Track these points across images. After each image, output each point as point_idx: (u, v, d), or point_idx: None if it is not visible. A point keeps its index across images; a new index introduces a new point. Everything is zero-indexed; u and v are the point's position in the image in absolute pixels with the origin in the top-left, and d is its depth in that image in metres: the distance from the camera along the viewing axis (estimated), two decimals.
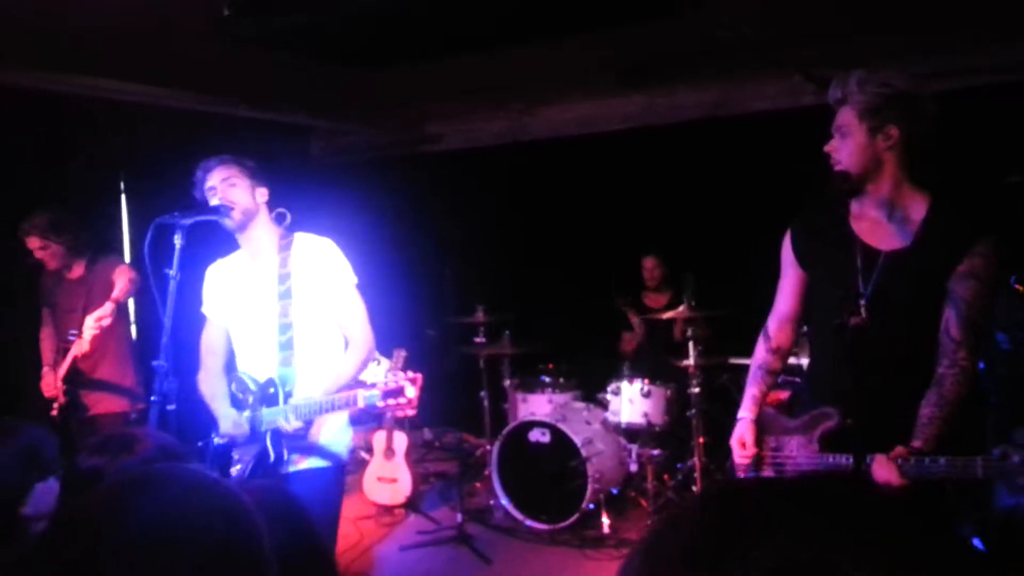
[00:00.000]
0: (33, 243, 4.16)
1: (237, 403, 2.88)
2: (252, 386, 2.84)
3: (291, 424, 2.70)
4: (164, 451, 1.69)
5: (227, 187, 2.87)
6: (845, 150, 2.30)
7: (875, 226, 2.35)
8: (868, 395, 2.17)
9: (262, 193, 2.95)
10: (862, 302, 2.27)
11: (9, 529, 1.63)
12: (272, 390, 2.79)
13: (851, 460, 2.24)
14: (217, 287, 3.06)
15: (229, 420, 2.85)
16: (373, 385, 2.60)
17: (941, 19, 4.76)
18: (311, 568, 1.36)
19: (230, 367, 3.03)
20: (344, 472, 2.98)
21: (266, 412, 2.77)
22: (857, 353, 2.18)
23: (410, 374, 2.59)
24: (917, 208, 2.30)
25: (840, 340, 2.21)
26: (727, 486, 0.82)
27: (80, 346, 3.95)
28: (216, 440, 2.83)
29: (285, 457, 2.78)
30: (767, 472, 2.56)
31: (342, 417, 2.92)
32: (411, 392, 2.57)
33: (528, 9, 4.39)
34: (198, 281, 3.08)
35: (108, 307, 3.98)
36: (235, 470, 2.79)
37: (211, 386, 3.00)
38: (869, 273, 2.30)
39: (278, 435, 2.76)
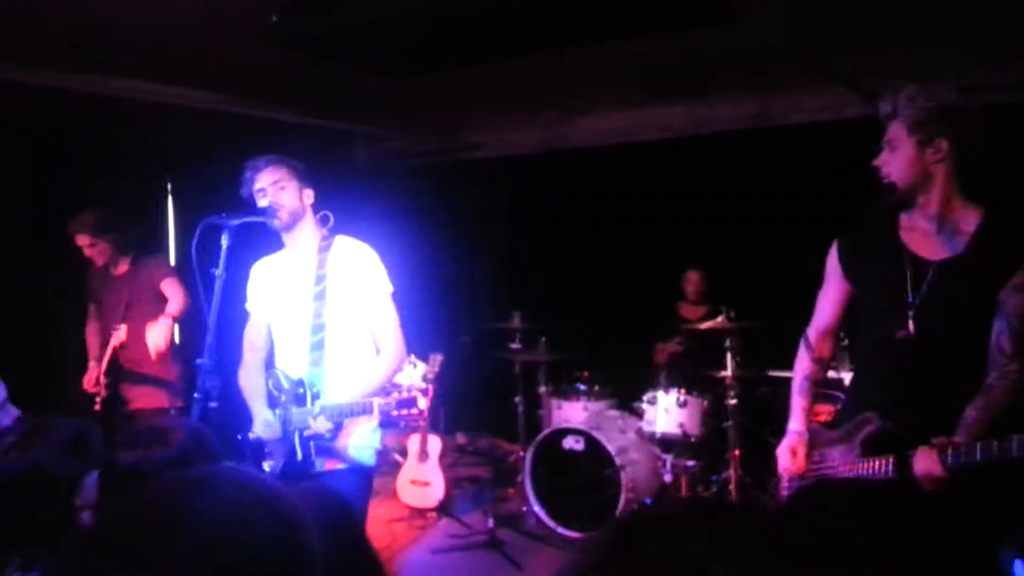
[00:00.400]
0: (82, 241, 4.29)
1: (272, 400, 2.93)
2: (285, 384, 2.88)
3: (319, 426, 2.75)
4: (198, 440, 1.72)
5: (277, 190, 2.92)
6: (894, 163, 2.31)
7: (925, 238, 2.35)
8: (912, 404, 2.18)
9: (308, 195, 3.00)
10: (910, 312, 2.28)
11: (65, 519, 1.68)
12: (301, 390, 2.84)
13: (891, 462, 2.23)
14: (261, 284, 3.12)
15: (261, 420, 2.90)
16: (388, 393, 2.68)
17: (990, 30, 4.68)
18: (357, 569, 1.38)
19: (270, 364, 3.08)
20: (371, 476, 3.00)
21: (295, 412, 2.82)
22: (903, 366, 2.16)
23: (423, 385, 2.66)
24: (968, 220, 2.30)
25: (886, 353, 2.20)
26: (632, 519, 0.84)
27: (118, 336, 4.06)
28: (251, 435, 2.87)
29: (312, 457, 2.82)
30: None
31: (370, 422, 2.94)
32: (422, 403, 2.64)
33: (566, 17, 4.40)
34: (243, 280, 3.14)
35: (166, 324, 4.05)
36: (267, 466, 2.83)
37: (250, 381, 3.05)
38: (919, 283, 2.30)
39: (307, 437, 2.80)
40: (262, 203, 2.93)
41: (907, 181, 2.30)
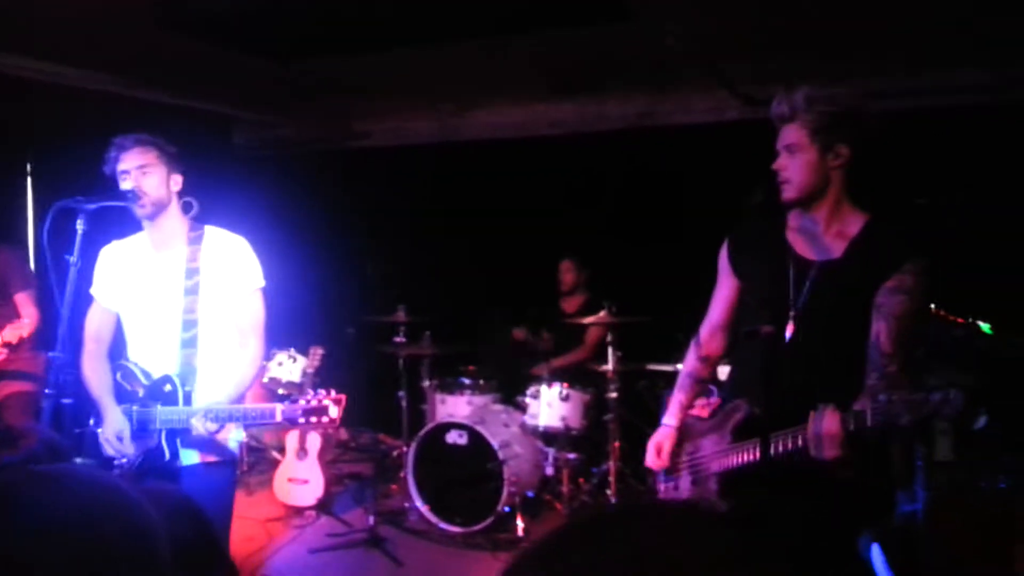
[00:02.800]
0: None
1: (123, 394, 2.75)
2: (143, 379, 2.72)
3: (202, 428, 2.60)
4: (50, 449, 1.60)
5: (140, 175, 2.74)
6: (795, 168, 2.30)
7: (811, 239, 2.38)
8: (782, 397, 2.20)
9: (176, 181, 2.83)
10: (791, 312, 2.32)
11: None
12: (169, 387, 2.69)
13: (757, 446, 2.27)
14: (112, 270, 2.92)
15: (112, 420, 2.71)
16: (295, 400, 2.55)
17: (855, 44, 4.91)
18: (209, 568, 1.32)
19: (115, 355, 2.89)
20: (235, 467, 2.91)
21: (161, 410, 2.67)
22: (770, 359, 2.22)
23: (334, 394, 2.55)
24: (853, 224, 2.33)
25: (756, 347, 2.26)
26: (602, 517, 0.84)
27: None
28: (99, 430, 2.70)
29: (179, 454, 2.70)
30: (684, 477, 2.60)
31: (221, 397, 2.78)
32: (334, 412, 2.54)
33: (464, 9, 4.36)
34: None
35: (18, 332, 3.87)
36: (122, 461, 2.67)
37: (97, 374, 2.84)
38: (800, 284, 2.34)
39: (174, 433, 2.67)
40: (124, 185, 2.74)
41: (808, 186, 2.30)
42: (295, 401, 2.55)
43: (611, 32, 4.60)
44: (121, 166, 2.76)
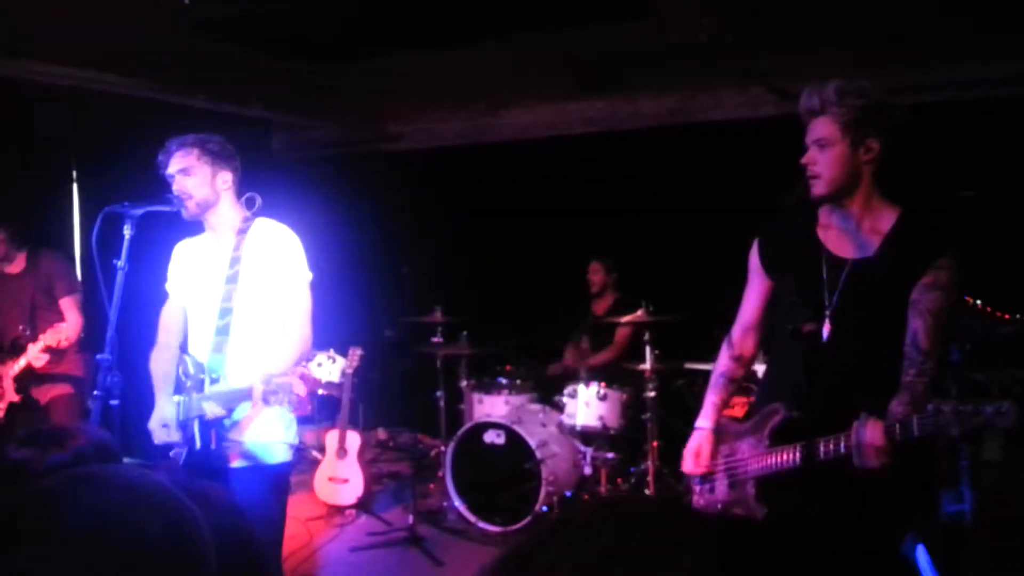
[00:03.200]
0: None
1: (179, 386, 2.79)
2: (192, 370, 2.76)
3: (209, 410, 2.63)
4: (99, 449, 1.62)
5: (183, 177, 2.79)
6: (825, 162, 2.26)
7: (842, 236, 2.34)
8: (821, 398, 2.18)
9: (224, 179, 2.84)
10: (827, 312, 2.29)
11: None
12: (202, 375, 2.72)
13: (798, 451, 2.24)
14: (180, 265, 3.00)
15: (159, 419, 2.76)
16: (268, 379, 2.55)
17: (893, 36, 4.84)
18: (253, 572, 1.33)
19: (184, 349, 2.95)
20: (284, 475, 2.87)
21: (195, 398, 2.70)
22: (811, 359, 2.19)
23: (300, 370, 2.55)
24: (885, 220, 2.30)
25: (794, 347, 2.23)
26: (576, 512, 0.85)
27: (37, 359, 3.86)
28: (150, 426, 2.75)
29: (213, 446, 2.69)
30: (721, 481, 2.56)
31: (274, 414, 2.78)
32: (300, 388, 2.52)
33: (493, 8, 4.37)
34: (147, 273, 3.00)
35: (58, 336, 3.92)
36: (173, 452, 2.72)
37: (159, 365, 2.91)
38: (835, 283, 2.30)
39: (205, 424, 2.68)
40: (173, 190, 2.81)
41: (838, 181, 2.26)
42: (269, 380, 2.54)
43: (641, 28, 4.58)
44: (168, 170, 2.82)
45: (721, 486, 2.53)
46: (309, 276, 2.88)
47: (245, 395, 2.60)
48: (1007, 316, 3.96)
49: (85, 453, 1.63)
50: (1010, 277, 4.51)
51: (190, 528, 0.95)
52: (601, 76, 5.70)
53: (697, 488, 2.63)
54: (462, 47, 4.99)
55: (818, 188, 2.28)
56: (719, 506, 2.49)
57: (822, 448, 2.18)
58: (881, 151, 2.25)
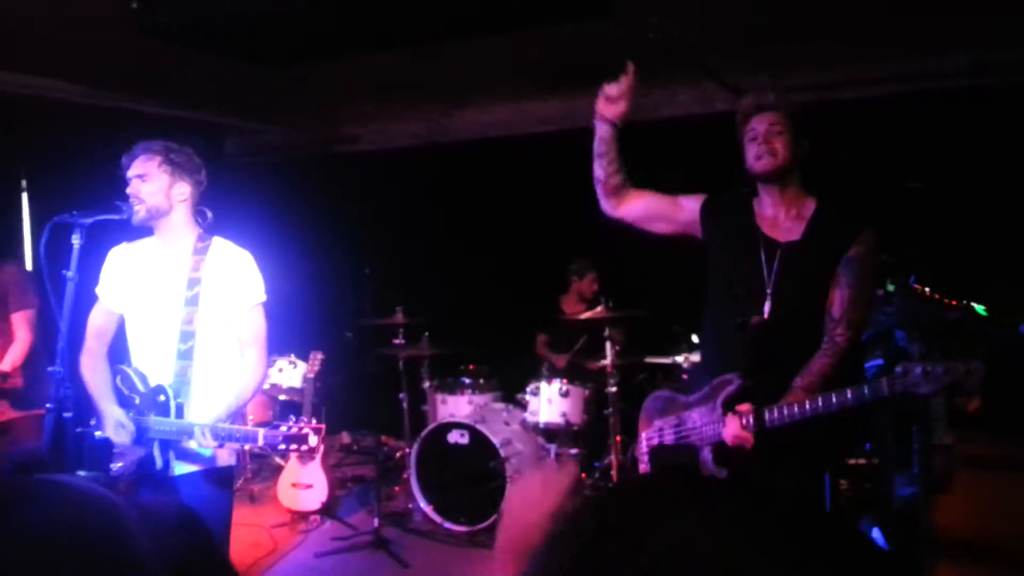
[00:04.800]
0: None
1: (122, 399, 2.76)
2: (140, 387, 2.73)
3: (202, 444, 2.63)
4: (21, 472, 1.58)
5: (140, 182, 2.75)
6: (780, 143, 2.53)
7: (774, 222, 2.59)
8: (765, 368, 2.42)
9: (181, 191, 2.79)
10: (768, 291, 2.49)
11: None
12: (162, 398, 2.69)
13: (751, 415, 2.40)
14: (119, 271, 2.91)
15: (113, 420, 2.71)
16: (276, 427, 2.57)
17: (842, 31, 4.94)
18: None
19: (118, 356, 2.91)
20: (231, 477, 2.89)
21: (154, 420, 2.67)
22: (757, 345, 2.30)
23: (315, 423, 2.58)
24: (807, 208, 2.59)
25: (740, 337, 2.33)
26: (617, 484, 0.89)
27: None
28: (97, 434, 2.71)
29: (171, 463, 2.71)
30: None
31: (216, 411, 2.77)
32: (314, 441, 2.56)
33: (448, 8, 4.37)
34: (96, 282, 2.95)
35: (14, 358, 3.86)
36: (115, 466, 2.68)
37: (96, 373, 2.84)
38: (770, 264, 2.52)
39: (166, 444, 2.68)
40: (128, 191, 2.77)
41: (788, 161, 2.53)
42: (276, 427, 2.57)
43: (594, 27, 4.61)
44: (127, 173, 2.78)
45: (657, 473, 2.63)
46: (263, 298, 2.87)
47: (236, 436, 2.60)
48: (954, 302, 4.06)
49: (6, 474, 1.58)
50: (958, 265, 4.63)
51: (130, 539, 0.94)
52: (556, 75, 5.73)
53: (645, 459, 2.72)
54: (417, 48, 4.98)
55: (771, 162, 2.52)
56: None
57: (767, 416, 2.36)
58: (809, 151, 2.58)
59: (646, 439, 2.78)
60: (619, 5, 4.24)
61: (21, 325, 3.95)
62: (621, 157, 2.71)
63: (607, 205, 2.76)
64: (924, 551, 3.41)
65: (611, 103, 2.63)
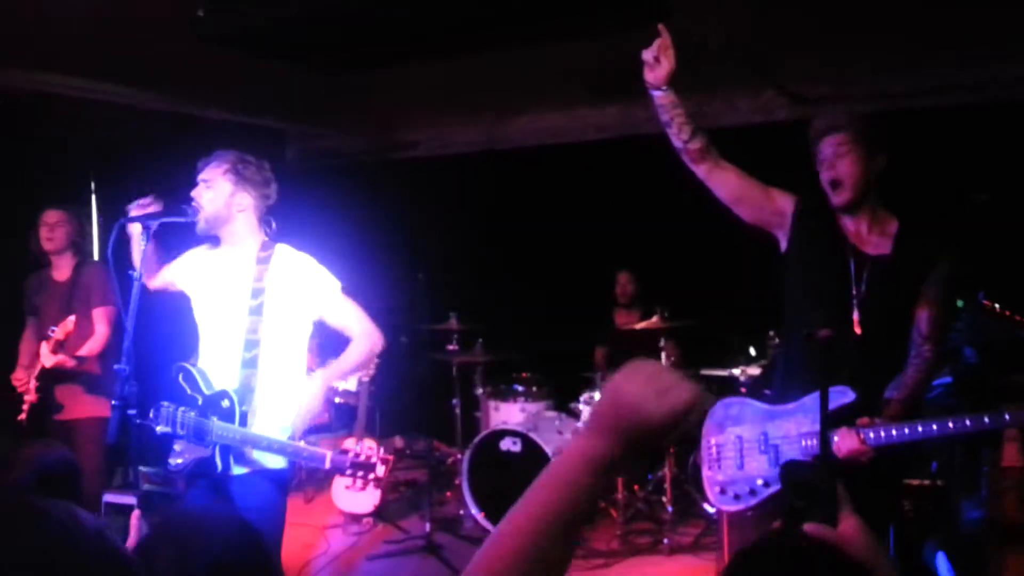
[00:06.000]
0: (50, 217, 4.16)
1: (183, 397, 2.79)
2: (204, 388, 2.76)
3: (267, 462, 2.71)
4: (43, 477, 1.57)
5: (203, 188, 2.81)
6: (847, 171, 2.52)
7: (858, 236, 2.60)
8: (855, 380, 2.42)
9: (242, 201, 2.83)
10: (854, 301, 2.51)
11: None
12: (227, 403, 2.71)
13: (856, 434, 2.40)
14: (194, 272, 2.97)
15: None
16: (346, 452, 2.60)
17: (905, 39, 4.82)
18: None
19: (184, 355, 2.97)
20: (285, 478, 2.88)
21: (217, 424, 2.69)
22: (833, 358, 2.30)
23: (383, 453, 2.60)
24: (890, 225, 2.60)
25: (815, 346, 2.30)
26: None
27: (65, 327, 3.86)
28: (158, 429, 2.75)
29: (231, 468, 2.74)
30: (753, 458, 2.58)
31: (283, 423, 2.81)
32: (380, 471, 2.59)
33: (504, 16, 4.38)
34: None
35: (91, 347, 4.03)
36: (174, 462, 2.73)
37: None
38: (860, 276, 2.54)
39: (228, 449, 2.70)
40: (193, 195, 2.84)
41: (860, 188, 2.53)
42: (346, 452, 2.61)
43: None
44: (198, 176, 2.85)
45: (756, 463, 2.57)
46: (339, 284, 2.90)
47: (304, 457, 2.66)
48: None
49: (26, 486, 1.58)
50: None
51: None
52: (613, 83, 5.70)
53: (715, 466, 2.66)
54: (475, 55, 5.01)
55: (841, 195, 2.53)
56: (759, 482, 2.55)
57: (887, 434, 2.38)
58: (886, 164, 2.56)
59: (716, 445, 2.69)
60: (679, 10, 4.20)
61: (101, 320, 4.13)
62: (693, 122, 2.62)
63: (697, 171, 2.68)
64: None
65: (652, 68, 2.54)
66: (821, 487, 1.25)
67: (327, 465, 2.59)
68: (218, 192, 2.81)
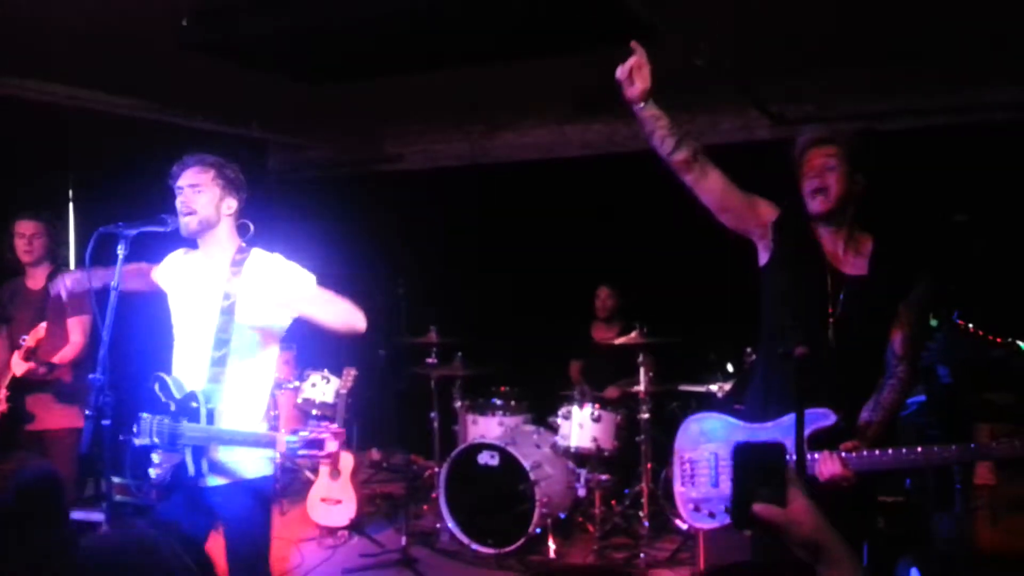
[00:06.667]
0: (26, 228, 4.09)
1: (158, 406, 2.76)
2: (176, 393, 2.74)
3: (215, 461, 2.68)
4: (25, 497, 1.53)
5: (193, 193, 2.79)
6: (832, 180, 2.53)
7: (834, 255, 2.60)
8: (829, 400, 2.41)
9: (229, 205, 2.85)
10: (831, 321, 2.51)
11: None
12: (194, 404, 2.69)
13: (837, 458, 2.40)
14: (171, 274, 2.98)
15: None
16: (296, 432, 2.57)
17: (886, 60, 4.89)
18: None
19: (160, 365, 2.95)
20: (266, 486, 2.85)
21: (186, 426, 2.67)
22: (807, 376, 2.29)
23: (334, 427, 2.58)
24: (865, 244, 2.60)
25: (790, 364, 2.31)
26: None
27: (36, 333, 3.84)
28: (137, 441, 2.73)
29: (204, 472, 2.70)
30: (729, 479, 2.56)
31: (254, 426, 2.80)
32: (332, 446, 2.55)
33: (493, 32, 4.41)
34: (138, 293, 3.00)
35: (63, 354, 4.00)
36: (154, 473, 2.70)
37: None
38: (836, 295, 2.53)
39: (199, 451, 2.68)
40: (177, 202, 2.80)
41: (842, 199, 2.54)
42: (296, 431, 2.57)
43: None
44: (178, 183, 2.82)
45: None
46: (312, 277, 2.87)
47: (256, 442, 2.63)
48: (998, 339, 3.98)
49: (6, 504, 1.53)
50: (1002, 301, 4.53)
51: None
52: (598, 100, 5.74)
53: (687, 483, 2.65)
54: (461, 70, 5.03)
55: (823, 204, 2.53)
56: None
57: (871, 459, 2.39)
58: (865, 185, 2.58)
59: (690, 461, 2.67)
60: (665, 30, 4.24)
61: (75, 329, 4.10)
62: (677, 132, 2.59)
63: (685, 180, 2.66)
64: None
65: (629, 85, 2.54)
66: (772, 468, 1.26)
67: (280, 448, 2.55)
68: (208, 196, 2.80)
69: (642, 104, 2.56)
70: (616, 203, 6.12)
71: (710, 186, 2.63)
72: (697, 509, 2.63)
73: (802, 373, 2.33)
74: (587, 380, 5.72)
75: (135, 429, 2.74)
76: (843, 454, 2.37)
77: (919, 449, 2.33)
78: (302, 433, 2.55)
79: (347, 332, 2.78)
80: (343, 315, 2.78)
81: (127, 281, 2.87)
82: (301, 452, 2.54)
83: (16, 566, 0.87)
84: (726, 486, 2.58)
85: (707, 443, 2.66)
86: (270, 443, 2.60)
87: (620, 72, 2.53)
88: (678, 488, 2.69)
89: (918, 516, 3.79)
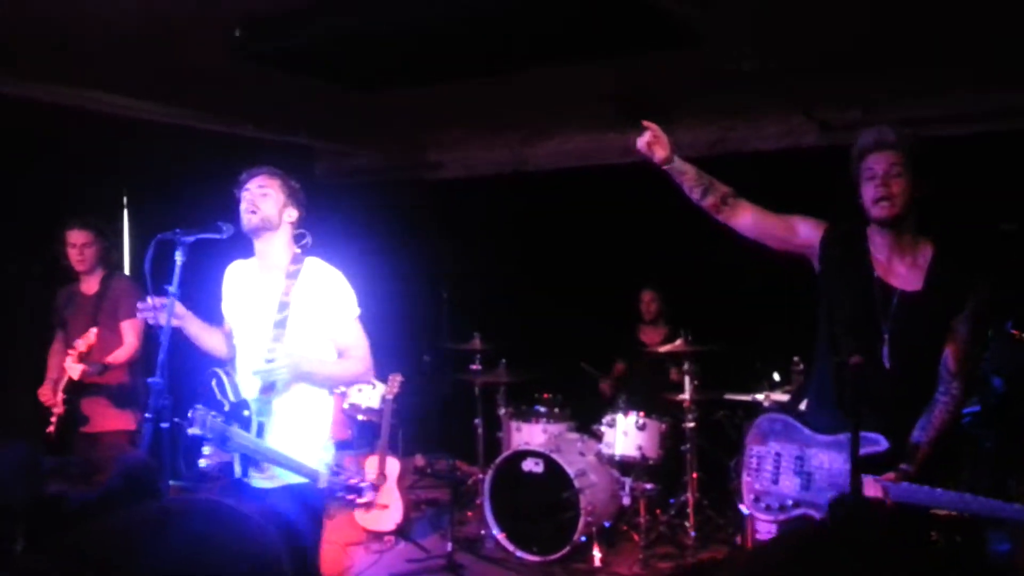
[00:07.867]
0: (78, 239, 4.20)
1: (213, 402, 2.84)
2: (231, 396, 2.81)
3: (262, 469, 2.76)
4: (131, 480, 1.62)
5: (260, 194, 2.90)
6: (897, 187, 2.48)
7: (889, 266, 2.56)
8: (883, 419, 2.38)
9: (291, 214, 2.96)
10: (885, 337, 2.49)
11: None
12: (246, 413, 2.76)
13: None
14: (232, 287, 3.08)
15: None
16: (338, 473, 2.68)
17: (935, 66, 4.81)
18: None
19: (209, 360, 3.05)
20: (318, 494, 2.85)
21: (236, 432, 2.73)
22: (860, 388, 2.28)
23: (374, 477, 2.67)
24: (924, 254, 2.54)
25: (844, 375, 2.30)
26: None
27: (87, 339, 3.92)
28: (190, 431, 2.77)
29: (250, 476, 2.79)
30: (788, 477, 2.61)
31: (309, 435, 2.86)
32: (367, 497, 2.71)
33: (532, 39, 4.43)
34: (199, 298, 3.07)
35: (117, 355, 4.11)
36: (202, 463, 2.76)
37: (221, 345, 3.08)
38: (886, 310, 2.51)
39: (248, 459, 2.75)
40: (241, 205, 2.90)
41: (907, 205, 2.49)
42: (338, 474, 2.69)
43: (680, 58, 4.60)
44: (245, 186, 2.93)
45: (790, 483, 2.61)
46: (358, 312, 2.95)
47: (299, 470, 2.70)
48: None
49: (115, 488, 1.62)
50: None
51: (275, 558, 0.95)
52: (639, 107, 5.72)
53: (754, 474, 2.69)
54: (502, 77, 5.05)
55: (889, 210, 2.48)
56: (789, 501, 2.59)
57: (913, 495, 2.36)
58: (930, 190, 2.52)
59: (757, 455, 2.72)
60: (708, 35, 4.22)
61: (129, 332, 4.20)
62: (704, 181, 2.74)
63: (717, 219, 2.79)
64: None
65: (651, 155, 2.74)
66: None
67: (322, 484, 2.67)
68: (274, 201, 2.92)
69: (666, 165, 2.75)
70: (657, 208, 6.07)
71: (742, 223, 2.74)
72: (757, 500, 2.68)
73: (858, 382, 2.32)
74: (629, 381, 5.70)
75: (189, 415, 2.80)
76: (884, 484, 2.36)
77: (958, 495, 2.31)
78: (342, 476, 2.67)
79: (351, 371, 2.99)
80: (359, 361, 2.96)
81: (193, 326, 2.99)
82: (339, 494, 2.67)
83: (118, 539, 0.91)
84: (784, 486, 2.61)
85: (774, 441, 2.69)
86: (313, 477, 2.67)
87: (640, 144, 2.72)
88: (744, 477, 2.74)
89: (973, 530, 3.71)
